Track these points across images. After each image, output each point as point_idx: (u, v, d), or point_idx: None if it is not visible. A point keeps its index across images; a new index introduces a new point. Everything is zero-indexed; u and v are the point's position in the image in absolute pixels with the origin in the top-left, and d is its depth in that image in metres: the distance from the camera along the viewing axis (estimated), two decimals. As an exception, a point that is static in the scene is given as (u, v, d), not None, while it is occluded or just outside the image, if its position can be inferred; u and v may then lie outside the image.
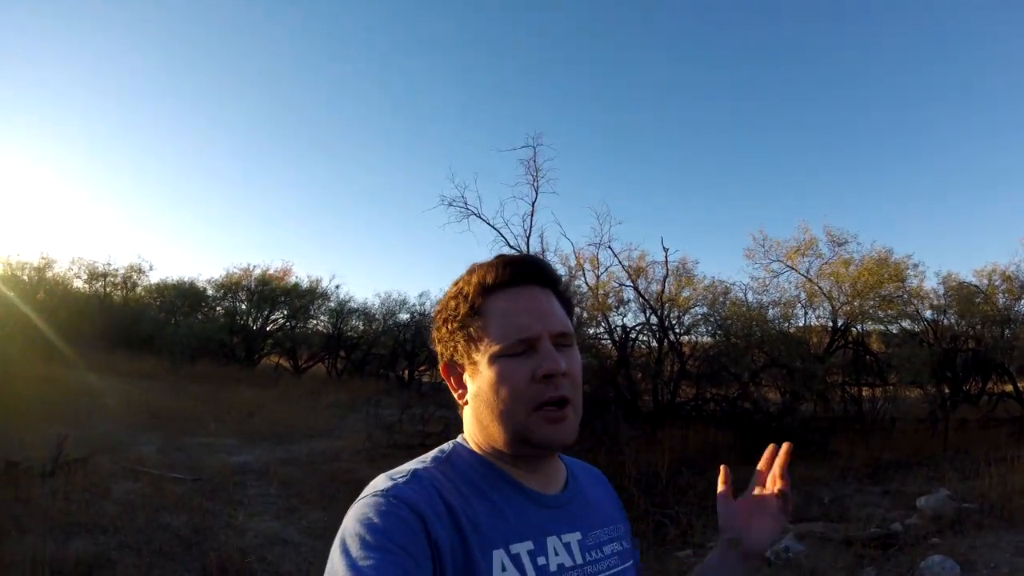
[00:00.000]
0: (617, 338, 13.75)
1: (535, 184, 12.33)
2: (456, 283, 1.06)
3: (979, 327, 14.12)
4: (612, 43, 51.33)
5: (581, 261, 13.98)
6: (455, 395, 1.07)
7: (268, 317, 25.93)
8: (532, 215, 12.40)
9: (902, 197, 41.99)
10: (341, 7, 56.08)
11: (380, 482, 0.93)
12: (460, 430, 1.10)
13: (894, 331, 14.16)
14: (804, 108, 45.03)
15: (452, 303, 1.05)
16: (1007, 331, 13.69)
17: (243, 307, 25.81)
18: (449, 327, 1.05)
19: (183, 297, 25.45)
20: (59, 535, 5.57)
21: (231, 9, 52.11)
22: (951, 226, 39.40)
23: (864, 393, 13.82)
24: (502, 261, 1.03)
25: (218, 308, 25.99)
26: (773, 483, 1.18)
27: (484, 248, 13.19)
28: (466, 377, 1.04)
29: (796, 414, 11.91)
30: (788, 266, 14.76)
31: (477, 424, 1.03)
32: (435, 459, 1.01)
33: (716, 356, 13.39)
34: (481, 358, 1.00)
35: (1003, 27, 34.48)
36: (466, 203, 12.37)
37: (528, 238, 12.34)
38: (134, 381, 16.33)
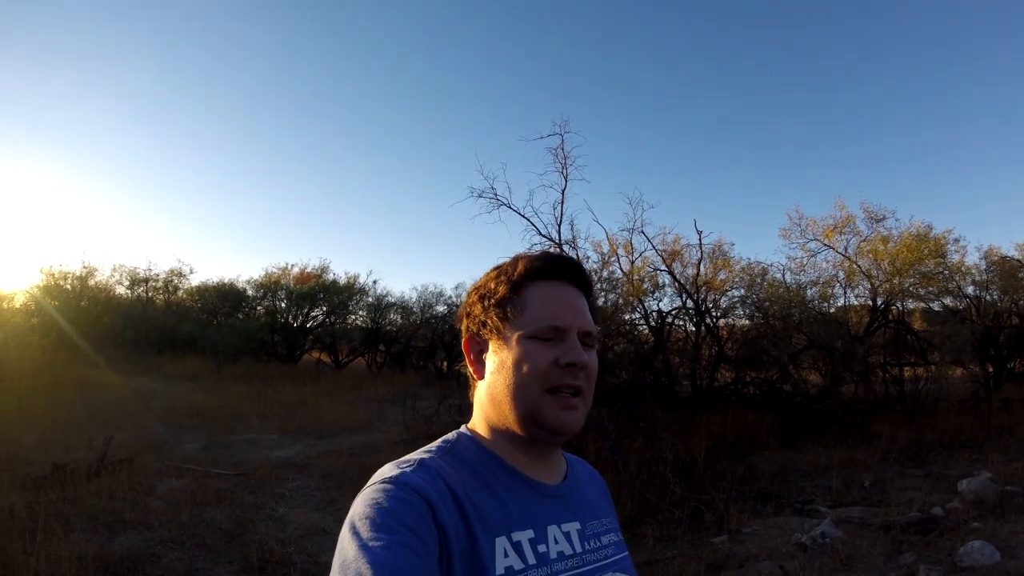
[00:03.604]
0: (653, 323, 13.66)
1: (564, 172, 12.25)
2: (499, 266, 1.13)
3: (1023, 302, 13.78)
4: (639, 26, 50.86)
5: (615, 247, 13.85)
6: (471, 369, 1.12)
7: (308, 314, 26.27)
8: (562, 203, 12.34)
9: (941, 170, 41.01)
10: (367, 4, 56.39)
11: (387, 470, 0.95)
12: None
13: (936, 309, 13.86)
14: (837, 82, 44.18)
15: (493, 283, 1.10)
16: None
17: (283, 305, 26.18)
18: (485, 303, 1.09)
19: (224, 298, 25.95)
20: (105, 532, 5.72)
21: (262, 8, 52.69)
22: (993, 199, 38.37)
23: (906, 373, 13.47)
24: (547, 255, 1.11)
25: (258, 307, 26.39)
26: None
27: (515, 238, 13.21)
28: (488, 354, 1.09)
29: (837, 396, 11.72)
30: (825, 244, 14.52)
31: (491, 401, 1.06)
32: (440, 448, 1.03)
33: (755, 339, 13.22)
34: (512, 335, 1.05)
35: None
36: (496, 194, 12.34)
37: (559, 226, 12.29)
38: (178, 382, 16.68)
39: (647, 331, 13.76)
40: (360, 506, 0.89)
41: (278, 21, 53.83)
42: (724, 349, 13.31)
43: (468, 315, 1.12)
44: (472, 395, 1.13)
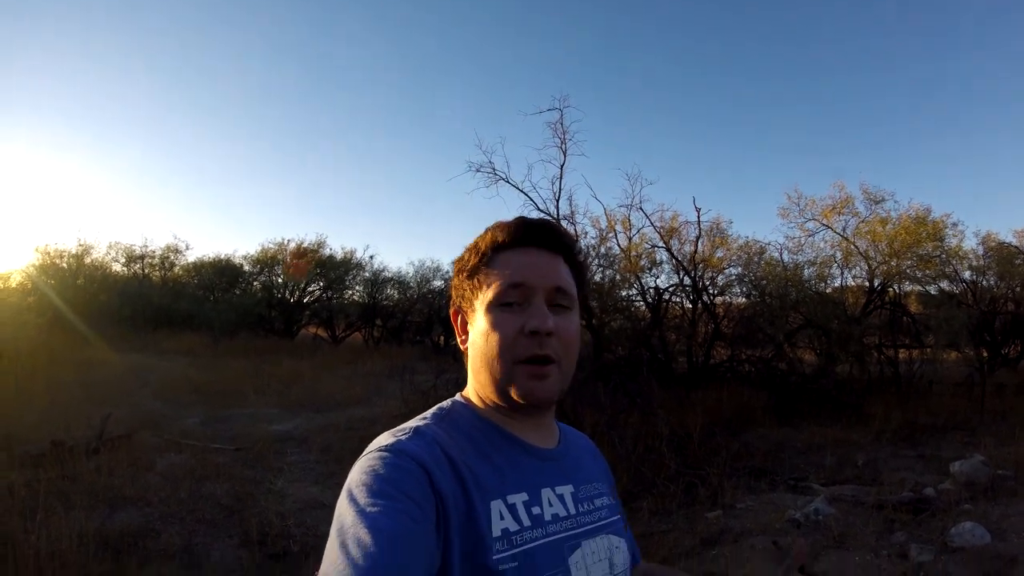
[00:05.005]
0: (650, 300, 13.70)
1: (563, 147, 12.23)
2: (476, 238, 1.11)
3: (1019, 289, 13.84)
4: (642, 6, 50.45)
5: (612, 223, 13.85)
6: (459, 340, 1.13)
7: (305, 289, 26.29)
8: (561, 178, 12.33)
9: (941, 154, 40.96)
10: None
11: (383, 439, 0.96)
12: None
13: (932, 292, 13.90)
14: (838, 63, 43.94)
15: (467, 254, 1.10)
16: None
17: (280, 280, 26.20)
18: (461, 275, 1.10)
19: (220, 274, 25.98)
20: (104, 509, 5.75)
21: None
22: (992, 185, 38.31)
23: (901, 355, 13.54)
24: (518, 221, 1.08)
25: (255, 283, 26.43)
26: None
27: (513, 212, 13.05)
28: (470, 325, 1.09)
29: (832, 376, 11.78)
30: (824, 225, 14.48)
31: (472, 371, 1.08)
32: (435, 416, 1.04)
33: (751, 317, 13.26)
34: (480, 306, 1.05)
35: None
36: (494, 168, 12.32)
37: (557, 201, 12.28)
38: (176, 358, 16.72)
39: (644, 308, 13.81)
40: (357, 473, 0.89)
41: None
42: (720, 327, 13.36)
43: (454, 287, 1.13)
44: (465, 360, 1.12)
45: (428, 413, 1.05)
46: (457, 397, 1.12)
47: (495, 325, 1.01)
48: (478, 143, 19.69)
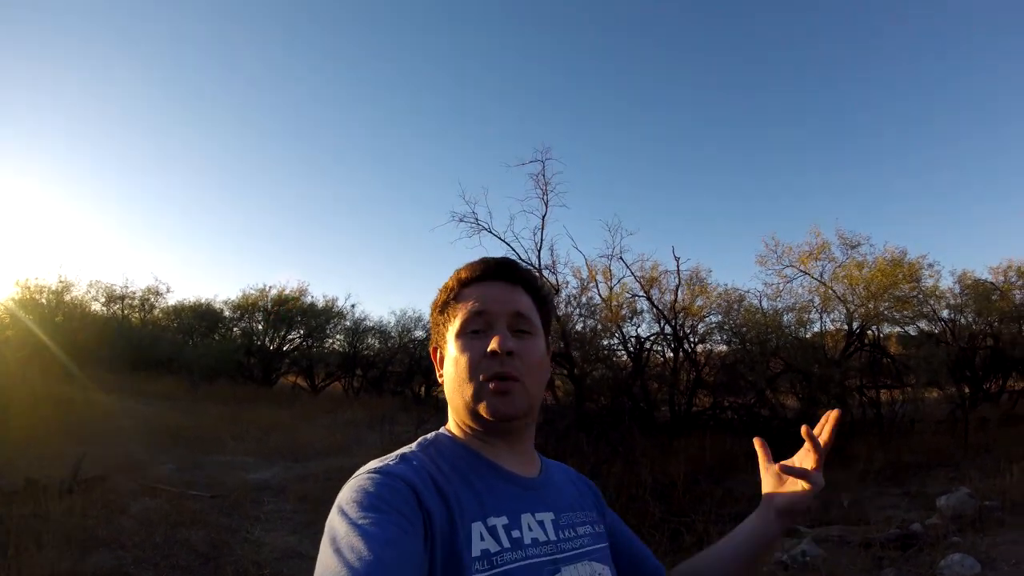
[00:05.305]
0: (632, 349, 13.72)
1: (545, 198, 12.39)
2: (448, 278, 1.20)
3: (996, 324, 14.02)
4: (617, 56, 51.55)
5: (594, 273, 13.95)
6: (438, 375, 1.18)
7: (285, 337, 26.08)
8: (542, 229, 12.46)
9: (915, 196, 41.62)
10: (348, 30, 56.69)
11: (371, 464, 1.00)
12: None
13: (912, 332, 14.05)
14: (811, 111, 44.89)
15: (440, 294, 1.19)
16: (1024, 327, 13.57)
17: (260, 327, 25.96)
18: (434, 313, 1.19)
19: (200, 318, 25.68)
20: (77, 550, 5.60)
21: (241, 31, 52.78)
22: (966, 224, 38.99)
23: (883, 396, 13.61)
24: (481, 260, 1.18)
25: (235, 329, 26.16)
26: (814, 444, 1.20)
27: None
28: (444, 360, 1.16)
29: (814, 420, 11.79)
30: (801, 271, 14.63)
31: (448, 400, 1.14)
32: (420, 444, 1.09)
33: (732, 364, 13.30)
34: (450, 336, 1.13)
35: (1013, 18, 34.18)
36: (477, 218, 12.44)
37: (539, 251, 12.39)
38: (153, 402, 16.44)
39: (626, 357, 13.81)
40: (347, 492, 0.92)
41: (257, 43, 53.97)
42: (702, 374, 13.39)
43: (432, 326, 1.21)
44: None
45: (413, 444, 1.10)
46: (441, 430, 1.16)
47: (463, 350, 1.09)
48: (461, 193, 19.79)
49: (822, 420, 1.23)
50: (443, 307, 1.16)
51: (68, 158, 49.92)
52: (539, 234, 12.46)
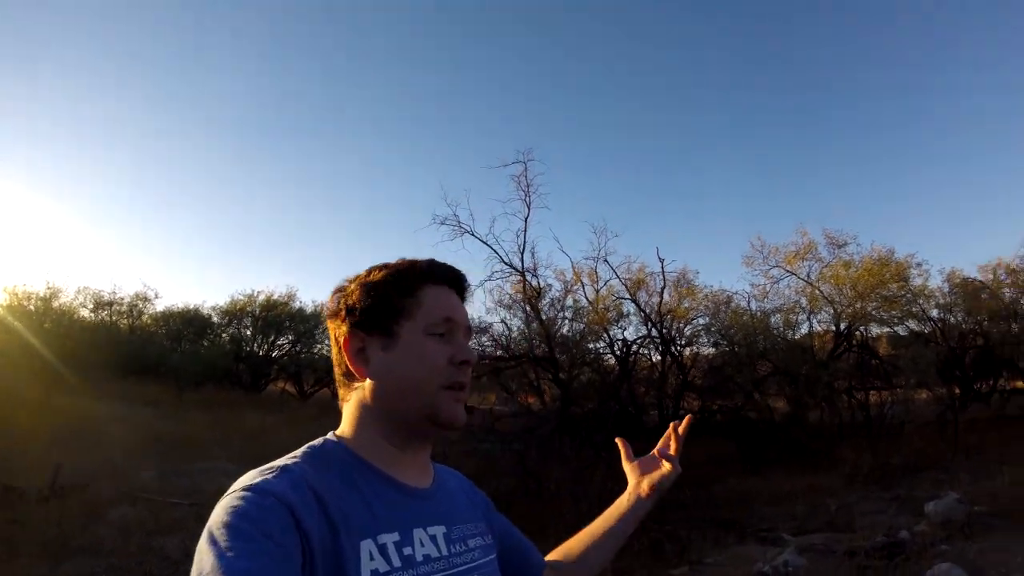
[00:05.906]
0: (619, 352, 13.69)
1: (527, 200, 12.38)
2: (381, 268, 1.11)
3: (986, 323, 14.01)
4: (602, 56, 51.67)
5: (579, 275, 13.93)
6: (351, 367, 1.07)
7: (274, 343, 25.96)
8: (525, 231, 12.45)
9: (903, 195, 41.77)
10: (333, 34, 56.78)
11: (248, 477, 0.92)
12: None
13: (901, 332, 14.02)
14: (797, 110, 44.86)
15: (383, 279, 1.08)
16: (1014, 325, 13.55)
17: (248, 333, 25.85)
18: (374, 298, 1.07)
19: (188, 324, 25.58)
20: (50, 558, 5.54)
21: (227, 37, 52.78)
22: (955, 222, 39.14)
23: (872, 398, 13.58)
24: (438, 263, 1.14)
25: (224, 335, 26.04)
26: (668, 443, 1.46)
27: (478, 265, 13.23)
28: (372, 351, 1.06)
29: (803, 423, 11.77)
30: (788, 271, 14.67)
31: (376, 399, 1.05)
32: (305, 454, 1.00)
33: (720, 367, 13.28)
34: (408, 333, 1.05)
35: (1001, 19, 34.37)
36: (459, 221, 12.44)
37: (522, 254, 12.37)
38: (139, 408, 16.36)
39: (612, 361, 13.79)
40: (219, 514, 0.86)
41: (249, 41, 53.97)
42: (689, 378, 13.35)
43: (348, 310, 1.08)
44: (342, 400, 1.11)
45: (298, 451, 1.01)
46: (329, 436, 1.08)
47: (429, 353, 1.05)
48: (443, 195, 19.78)
49: (685, 420, 1.49)
50: (397, 297, 1.06)
51: (55, 163, 49.78)
52: (522, 236, 12.45)
